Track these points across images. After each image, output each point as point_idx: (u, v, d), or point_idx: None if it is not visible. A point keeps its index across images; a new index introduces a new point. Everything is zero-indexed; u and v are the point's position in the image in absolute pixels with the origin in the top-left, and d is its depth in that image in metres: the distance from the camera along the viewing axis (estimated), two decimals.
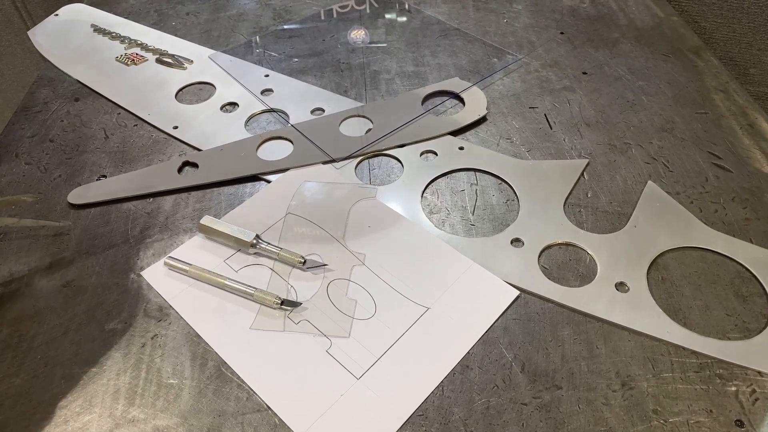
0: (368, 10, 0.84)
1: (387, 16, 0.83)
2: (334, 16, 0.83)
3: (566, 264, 0.49)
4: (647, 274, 0.48)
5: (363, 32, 0.79)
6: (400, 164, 0.59)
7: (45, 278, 0.49)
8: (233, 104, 0.67)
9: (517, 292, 0.47)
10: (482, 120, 0.64)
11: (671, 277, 0.48)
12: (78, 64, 0.74)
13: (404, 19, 0.82)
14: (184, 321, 0.46)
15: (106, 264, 0.50)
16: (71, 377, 0.43)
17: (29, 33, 0.81)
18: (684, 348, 0.43)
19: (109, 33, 0.79)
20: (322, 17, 0.82)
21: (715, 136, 0.61)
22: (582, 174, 0.57)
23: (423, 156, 0.60)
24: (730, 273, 0.48)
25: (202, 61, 0.74)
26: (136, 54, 0.75)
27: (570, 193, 0.55)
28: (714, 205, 0.54)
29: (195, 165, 0.59)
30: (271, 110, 0.66)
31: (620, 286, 0.47)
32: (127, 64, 0.73)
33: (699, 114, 0.64)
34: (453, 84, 0.68)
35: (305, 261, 0.48)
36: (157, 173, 0.58)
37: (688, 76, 0.69)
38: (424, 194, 0.56)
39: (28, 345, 0.45)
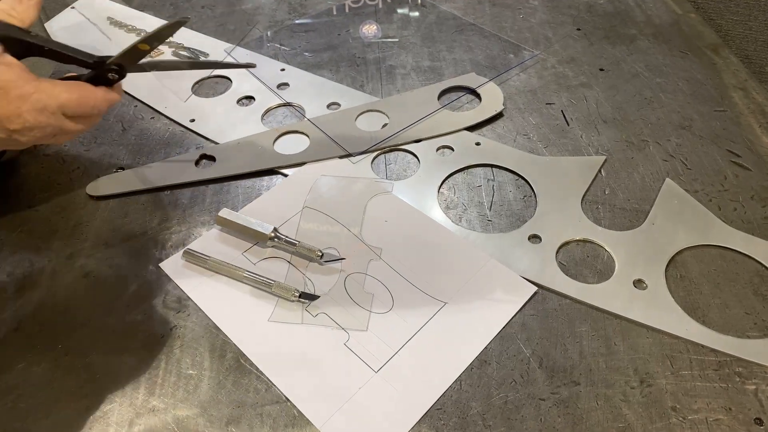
0: (381, 5, 0.84)
1: (401, 11, 0.83)
2: (347, 11, 0.83)
3: (584, 261, 0.49)
4: (665, 271, 0.48)
5: (375, 27, 0.79)
6: (416, 159, 0.59)
7: (65, 269, 0.50)
8: (250, 98, 0.67)
9: (535, 288, 0.47)
10: (499, 116, 0.63)
11: (690, 275, 0.48)
12: None
13: (419, 14, 0.82)
14: (203, 313, 0.46)
15: (124, 255, 0.51)
16: (92, 367, 0.43)
17: (45, 25, 0.81)
18: (703, 346, 0.43)
19: (125, 26, 0.79)
20: (335, 12, 0.82)
21: (733, 134, 0.60)
22: (599, 171, 0.57)
23: (439, 151, 0.60)
24: (749, 271, 0.48)
25: (218, 54, 0.74)
26: None
27: (587, 190, 0.55)
28: (733, 204, 0.53)
29: (212, 158, 0.59)
30: (287, 104, 0.66)
31: (638, 284, 0.47)
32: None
33: (717, 112, 0.63)
34: (469, 79, 0.68)
35: (323, 254, 0.49)
36: (175, 166, 0.58)
37: (707, 73, 0.69)
38: (441, 189, 0.56)
39: (48, 334, 0.45)
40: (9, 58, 0.42)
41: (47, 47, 0.45)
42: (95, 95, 0.46)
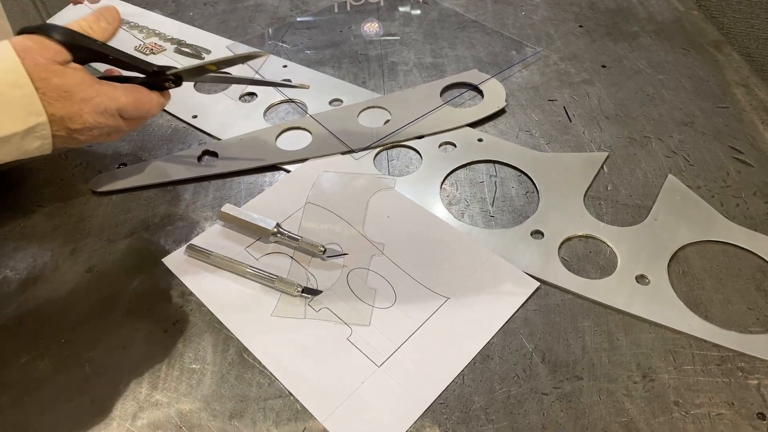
0: (383, 3, 0.84)
1: (403, 8, 0.83)
2: (349, 8, 0.83)
3: (586, 256, 0.49)
4: (668, 267, 0.48)
5: (377, 25, 0.79)
6: (418, 155, 0.59)
7: (68, 264, 0.50)
8: (252, 94, 0.67)
9: (538, 284, 0.47)
10: (501, 112, 0.63)
11: (692, 271, 0.48)
12: None
13: (421, 11, 0.82)
14: (206, 307, 0.46)
15: (127, 251, 0.51)
16: (95, 361, 0.43)
17: (48, 22, 0.81)
18: (705, 341, 0.43)
19: (128, 23, 0.79)
20: (337, 9, 0.82)
21: (736, 130, 0.60)
22: (602, 167, 0.57)
23: (441, 147, 0.60)
24: (751, 267, 0.48)
25: (220, 51, 0.74)
26: (155, 43, 0.75)
27: (590, 186, 0.55)
28: (735, 200, 0.53)
29: (215, 154, 0.59)
30: (289, 101, 0.66)
31: (641, 279, 0.47)
32: (146, 54, 0.73)
33: (720, 108, 0.63)
34: (471, 76, 0.68)
35: (325, 250, 0.49)
36: (177, 162, 0.59)
37: (709, 70, 0.69)
38: (443, 185, 0.56)
39: (52, 329, 0.45)
40: (74, 64, 0.45)
41: (111, 56, 0.48)
42: (150, 99, 0.49)
